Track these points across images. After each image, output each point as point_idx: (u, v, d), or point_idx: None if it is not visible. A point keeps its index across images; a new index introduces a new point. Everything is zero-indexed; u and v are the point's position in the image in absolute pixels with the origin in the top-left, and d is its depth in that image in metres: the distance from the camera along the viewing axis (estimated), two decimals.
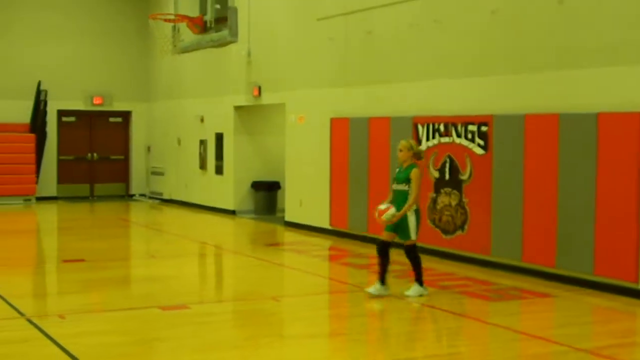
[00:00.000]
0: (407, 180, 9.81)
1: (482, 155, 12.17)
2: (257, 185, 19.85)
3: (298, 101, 17.18)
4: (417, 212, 9.91)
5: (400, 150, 10.03)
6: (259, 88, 18.72)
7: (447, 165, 12.84)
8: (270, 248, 15.42)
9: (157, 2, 23.61)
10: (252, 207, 19.91)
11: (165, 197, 23.95)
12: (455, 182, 12.71)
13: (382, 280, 9.96)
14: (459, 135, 12.63)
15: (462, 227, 12.57)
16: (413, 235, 9.86)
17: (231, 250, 15.68)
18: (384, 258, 10.03)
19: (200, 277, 13.46)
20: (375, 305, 10.32)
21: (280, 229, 17.56)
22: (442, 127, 12.98)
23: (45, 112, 23.52)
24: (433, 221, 13.12)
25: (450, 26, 12.96)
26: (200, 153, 21.85)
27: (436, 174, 13.07)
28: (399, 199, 9.88)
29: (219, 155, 20.88)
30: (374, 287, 9.95)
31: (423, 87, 13.60)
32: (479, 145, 12.23)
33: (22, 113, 23.29)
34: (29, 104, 23.32)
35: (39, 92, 23.27)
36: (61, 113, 24.39)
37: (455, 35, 12.90)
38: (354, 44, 15.29)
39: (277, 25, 17.96)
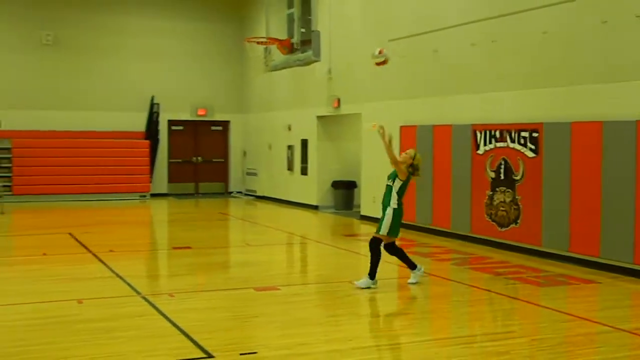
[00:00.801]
0: (395, 177, 9.59)
1: (533, 158, 12.05)
2: (336, 184, 19.91)
3: (372, 111, 17.15)
4: (397, 212, 9.57)
5: (406, 154, 9.80)
6: (339, 100, 18.80)
7: (502, 167, 12.73)
8: (347, 238, 15.44)
9: (251, 27, 23.81)
10: (332, 203, 19.98)
11: (258, 194, 24.17)
12: (509, 182, 12.59)
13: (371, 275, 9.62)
14: (512, 141, 12.50)
15: (515, 221, 12.45)
16: (384, 230, 9.53)
17: (314, 240, 15.75)
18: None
19: (288, 262, 13.60)
20: (439, 289, 10.30)
21: (356, 222, 17.58)
22: (497, 134, 12.88)
23: (157, 122, 23.95)
24: (490, 216, 13.04)
25: (506, 45, 12.83)
26: (288, 156, 22.00)
27: (492, 175, 12.98)
28: (386, 193, 9.66)
29: (304, 159, 21.01)
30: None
31: (481, 98, 13.49)
32: (530, 149, 12.11)
33: (139, 123, 23.80)
34: (144, 115, 23.82)
35: (152, 105, 23.73)
36: (171, 123, 24.80)
37: (510, 53, 12.77)
38: (421, 61, 15.24)
39: (354, 46, 17.96)
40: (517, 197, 12.41)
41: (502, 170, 12.77)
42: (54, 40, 22.98)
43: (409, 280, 9.81)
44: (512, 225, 12.55)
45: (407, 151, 9.89)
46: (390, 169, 9.70)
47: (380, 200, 9.79)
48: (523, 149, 12.28)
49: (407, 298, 9.86)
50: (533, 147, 12.06)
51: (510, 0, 12.85)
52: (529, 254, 12.11)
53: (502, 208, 12.76)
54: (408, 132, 15.48)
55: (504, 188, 12.71)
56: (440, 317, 8.76)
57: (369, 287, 9.49)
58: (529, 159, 12.16)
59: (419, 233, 14.82)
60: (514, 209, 12.47)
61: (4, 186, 21.09)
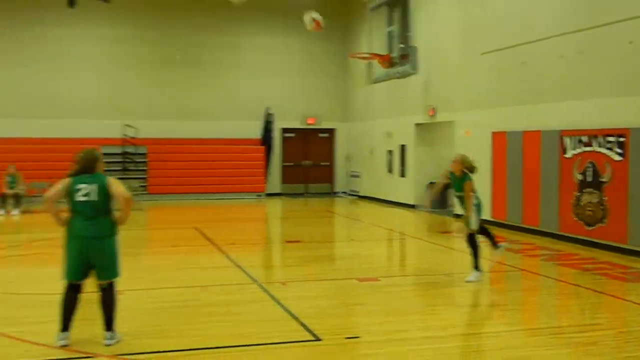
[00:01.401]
0: (462, 189, 9.38)
1: (619, 161, 11.54)
2: (432, 185, 19.66)
3: (465, 119, 16.93)
4: (478, 206, 9.42)
5: (454, 161, 9.57)
6: (434, 109, 18.60)
7: (590, 169, 12.26)
8: (442, 235, 15.23)
9: (354, 43, 23.85)
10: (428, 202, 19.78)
11: (361, 194, 24.16)
12: (596, 183, 12.11)
13: (476, 267, 9.42)
14: (599, 145, 12.03)
15: (602, 220, 11.96)
16: (475, 225, 9.35)
17: (412, 235, 15.59)
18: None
19: (388, 256, 13.51)
20: (529, 283, 10.01)
21: (450, 220, 17.31)
22: (585, 139, 12.41)
23: (272, 130, 24.32)
24: (577, 215, 12.59)
25: (593, 55, 12.36)
26: (388, 160, 21.92)
27: (579, 177, 12.52)
28: (463, 202, 9.49)
29: (403, 162, 20.88)
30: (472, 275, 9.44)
31: (569, 106, 13.04)
32: (617, 153, 11.61)
33: (255, 130, 24.24)
34: (260, 124, 24.23)
35: (267, 114, 24.11)
36: (284, 130, 25.13)
37: (596, 63, 12.30)
38: (511, 72, 14.92)
39: (448, 59, 17.78)
40: (603, 198, 11.93)
41: (589, 173, 12.31)
42: (183, 59, 23.67)
43: (468, 278, 9.41)
44: (598, 224, 12.07)
45: (456, 160, 9.59)
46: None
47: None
48: (610, 153, 11.80)
49: (500, 291, 9.61)
50: (619, 151, 11.57)
51: (596, 13, 12.39)
52: (616, 251, 11.60)
53: (589, 208, 12.28)
54: (499, 138, 15.18)
55: (591, 189, 12.24)
56: (530, 309, 8.52)
57: (478, 280, 9.30)
58: (615, 162, 11.67)
59: (510, 230, 14.44)
60: (601, 209, 11.98)
61: (141, 186, 21.96)
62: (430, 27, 18.86)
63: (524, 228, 14.30)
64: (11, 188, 19.13)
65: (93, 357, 6.10)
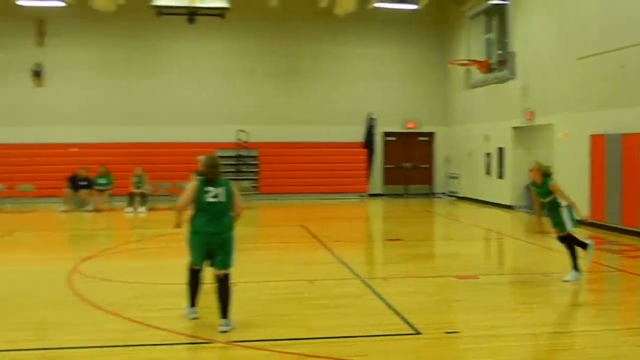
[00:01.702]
0: (549, 193, 9.02)
1: None
2: (529, 186, 19.12)
3: (563, 122, 16.41)
4: (568, 208, 9.00)
5: (531, 170, 9.29)
6: (532, 112, 18.11)
7: None
8: (539, 235, 14.73)
9: (453, 51, 23.50)
10: (525, 203, 19.19)
11: (460, 195, 23.80)
12: None
13: (575, 267, 9.05)
14: None
15: None
16: (570, 227, 8.98)
17: (509, 235, 15.19)
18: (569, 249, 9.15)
19: (485, 255, 13.23)
20: (628, 283, 9.57)
21: (547, 220, 16.75)
22: None
23: (373, 134, 24.33)
24: None
25: None
26: (486, 162, 21.51)
27: None
28: (552, 208, 9.13)
29: (500, 164, 20.44)
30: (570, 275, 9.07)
31: None
32: None
33: (357, 135, 24.32)
34: (362, 128, 24.29)
35: (369, 119, 24.14)
36: (385, 134, 25.10)
37: None
38: (608, 76, 14.33)
39: (546, 65, 17.28)
40: None
41: None
42: (292, 69, 24.13)
43: (565, 278, 9.07)
44: None
45: (533, 169, 9.30)
46: None
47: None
48: None
49: (597, 291, 9.24)
50: None
51: None
52: None
53: None
54: (597, 141, 14.61)
55: None
56: (628, 308, 8.13)
57: (577, 280, 8.99)
58: None
59: (609, 232, 13.85)
60: None
61: (253, 186, 22.52)
62: (528, 33, 18.39)
63: (624, 229, 13.68)
64: (138, 188, 20.03)
65: (210, 343, 6.31)
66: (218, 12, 17.15)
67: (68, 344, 6.28)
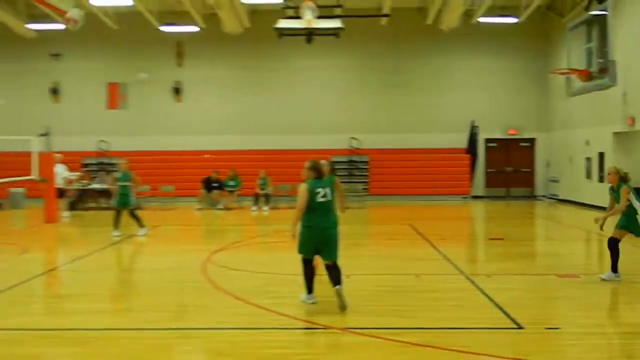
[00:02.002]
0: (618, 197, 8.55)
1: None
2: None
3: None
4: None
5: (609, 174, 8.73)
6: (633, 118, 17.03)
7: None
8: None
9: (553, 61, 22.47)
10: None
11: (560, 197, 22.76)
12: None
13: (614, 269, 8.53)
14: None
15: None
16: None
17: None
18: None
19: (586, 254, 12.54)
20: None
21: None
22: None
23: (476, 140, 23.72)
24: None
25: None
26: (586, 167, 20.46)
27: None
28: (628, 212, 8.58)
29: (601, 168, 19.34)
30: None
31: None
32: None
33: (461, 141, 23.78)
34: (465, 135, 23.73)
35: (472, 126, 23.57)
36: (487, 140, 24.40)
37: None
38: None
39: None
40: None
41: None
42: (400, 81, 24.01)
43: (602, 276, 8.64)
44: None
45: (611, 172, 8.82)
46: None
47: None
48: None
49: None
50: None
51: None
52: None
53: None
54: None
55: None
56: None
57: (612, 280, 8.49)
58: None
59: None
60: None
61: (364, 188, 22.59)
62: (628, 41, 17.29)
63: None
64: (262, 189, 20.55)
65: (326, 328, 6.36)
66: (333, 32, 17.26)
67: (201, 325, 6.52)
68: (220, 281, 8.62)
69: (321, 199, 7.09)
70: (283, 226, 15.78)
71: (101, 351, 5.71)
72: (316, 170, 7.27)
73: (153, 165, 22.86)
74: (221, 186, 20.95)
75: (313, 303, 7.18)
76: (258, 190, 20.55)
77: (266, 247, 12.69)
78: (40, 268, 10.40)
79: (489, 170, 24.56)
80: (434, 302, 7.49)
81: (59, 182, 17.70)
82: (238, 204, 20.85)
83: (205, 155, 23.67)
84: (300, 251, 7.21)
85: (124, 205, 13.64)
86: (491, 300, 7.44)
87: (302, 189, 7.11)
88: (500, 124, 24.11)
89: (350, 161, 23.36)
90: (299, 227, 7.15)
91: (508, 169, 24.63)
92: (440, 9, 21.89)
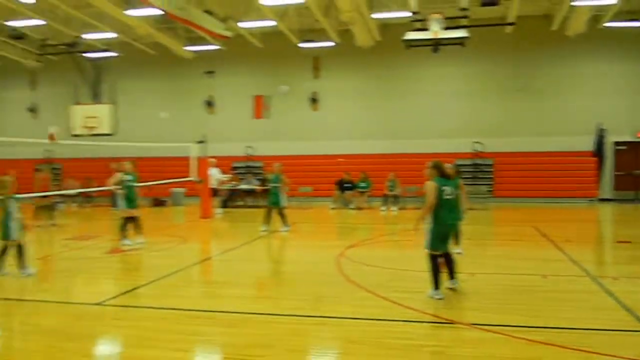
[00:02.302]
0: None
1: None
2: None
3: None
4: None
5: None
6: None
7: None
8: None
9: None
10: None
11: None
12: None
13: None
14: None
15: None
16: None
17: None
18: None
19: None
20: None
21: None
22: None
23: (603, 143, 22.06)
24: None
25: None
26: None
27: None
28: None
29: None
30: None
31: None
32: None
33: (587, 144, 22.19)
34: (591, 138, 22.12)
35: (599, 129, 21.92)
36: (616, 143, 22.60)
37: None
38: None
39: None
40: None
41: None
42: (524, 86, 22.92)
43: None
44: None
45: None
46: None
47: None
48: None
49: None
50: None
51: None
52: None
53: None
54: None
55: None
56: None
57: None
58: None
59: None
60: None
61: (488, 191, 21.78)
62: None
63: None
64: (391, 190, 20.47)
65: (451, 323, 6.20)
66: (459, 42, 16.85)
67: (336, 315, 6.59)
68: (352, 275, 8.68)
69: (447, 196, 7.10)
70: (410, 226, 15.61)
71: (247, 332, 5.95)
72: (438, 168, 7.20)
73: (292, 168, 23.43)
74: (353, 187, 21.15)
75: (440, 299, 7.04)
76: (387, 192, 20.51)
77: (394, 245, 12.61)
78: (197, 257, 11.06)
79: (617, 173, 22.71)
80: (559, 302, 7.05)
81: (212, 183, 18.77)
82: (368, 204, 20.92)
83: (339, 159, 23.98)
84: (431, 247, 7.16)
85: (274, 205, 14.11)
86: (619, 302, 6.87)
87: (431, 186, 7.06)
88: (630, 127, 22.25)
89: (475, 164, 22.63)
90: (428, 224, 7.14)
91: (637, 172, 22.65)
92: (567, 15, 20.64)
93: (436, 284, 7.13)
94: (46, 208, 16.01)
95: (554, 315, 6.45)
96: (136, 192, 12.03)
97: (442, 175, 7.20)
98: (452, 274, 7.36)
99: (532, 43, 22.67)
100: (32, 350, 5.44)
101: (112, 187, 12.24)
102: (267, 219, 14.05)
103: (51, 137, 9.12)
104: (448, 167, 7.67)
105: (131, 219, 11.87)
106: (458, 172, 8.98)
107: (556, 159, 22.29)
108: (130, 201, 11.81)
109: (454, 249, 9.13)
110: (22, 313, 6.87)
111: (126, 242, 11.76)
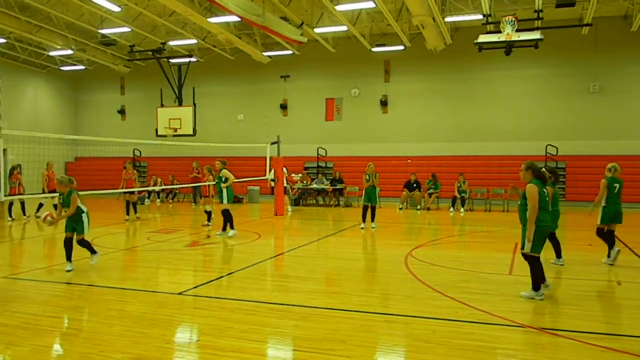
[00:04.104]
0: None
1: None
2: None
3: None
4: None
5: None
6: None
7: None
8: None
9: None
10: None
11: None
12: None
13: None
14: None
15: None
16: None
17: None
18: None
19: None
20: None
21: None
22: None
23: None
24: None
25: None
26: None
27: None
28: None
29: None
30: None
31: None
32: None
33: None
34: None
35: None
36: None
37: None
38: None
39: None
40: None
41: None
42: (599, 88, 21.86)
43: None
44: None
45: None
46: None
47: None
48: None
49: None
50: None
51: None
52: None
53: None
54: None
55: None
56: None
57: None
58: None
59: None
60: None
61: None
62: None
63: None
64: (460, 192, 20.05)
65: (522, 327, 5.99)
66: (532, 43, 16.28)
67: (404, 312, 6.51)
68: (420, 274, 8.55)
69: (547, 198, 7.00)
70: (478, 227, 15.23)
71: (318, 326, 5.97)
72: (533, 169, 7.03)
73: (362, 169, 23.43)
74: (421, 188, 20.85)
75: (541, 299, 6.89)
76: (456, 193, 20.11)
77: (462, 246, 12.33)
78: (271, 252, 11.23)
79: None
80: (634, 310, 6.65)
81: (286, 182, 19.07)
82: (436, 205, 20.57)
83: (408, 160, 23.73)
84: (535, 250, 6.91)
85: (370, 202, 14.49)
86: None
87: (533, 189, 6.86)
88: None
89: (546, 167, 21.80)
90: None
91: None
92: None
93: (537, 286, 6.96)
94: (132, 203, 16.72)
95: (628, 323, 6.10)
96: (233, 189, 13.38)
97: (538, 177, 7.00)
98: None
99: (609, 44, 21.62)
100: (117, 335, 5.68)
101: (224, 184, 13.06)
102: (365, 217, 14.53)
103: (45, 219, 9.44)
104: (544, 171, 7.49)
105: (228, 212, 13.00)
106: (553, 178, 8.88)
107: (632, 162, 21.12)
108: (230, 197, 13.11)
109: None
110: (108, 300, 7.18)
111: (232, 231, 12.95)
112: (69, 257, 8.94)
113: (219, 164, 13.13)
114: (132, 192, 16.30)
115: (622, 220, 9.49)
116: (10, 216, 16.91)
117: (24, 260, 10.63)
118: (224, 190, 12.94)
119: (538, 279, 6.95)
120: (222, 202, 13.03)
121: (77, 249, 9.03)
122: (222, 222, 13.36)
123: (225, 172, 12.97)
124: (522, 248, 7.01)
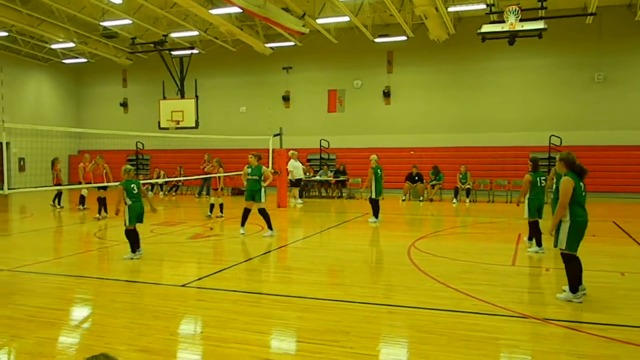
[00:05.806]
0: None
1: None
2: None
3: None
4: None
5: None
6: None
7: None
8: None
9: None
10: None
11: None
12: None
13: None
14: None
15: None
16: None
17: None
18: None
19: None
20: None
21: None
22: None
23: None
24: None
25: None
26: None
27: None
28: None
29: None
30: None
31: None
32: None
33: None
34: None
35: None
36: None
37: None
38: None
39: None
40: None
41: None
42: (604, 78, 21.75)
43: None
44: None
45: None
46: None
47: None
48: None
49: None
50: None
51: None
52: None
53: None
54: None
55: None
56: None
57: None
58: None
59: None
60: None
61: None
62: None
63: None
64: (462, 183, 20.03)
65: (524, 317, 5.99)
66: (536, 33, 16.18)
67: (407, 303, 6.53)
68: (423, 265, 8.57)
69: (584, 192, 6.44)
70: (481, 218, 15.21)
71: (321, 317, 5.99)
72: (566, 162, 6.46)
73: (365, 161, 23.40)
74: (423, 180, 20.83)
75: (580, 302, 6.42)
76: (458, 184, 20.09)
77: (465, 237, 12.33)
78: (274, 244, 11.25)
79: None
80: (639, 301, 6.65)
81: (299, 174, 19.19)
82: (439, 197, 20.57)
83: (411, 152, 23.69)
84: (568, 246, 6.40)
85: (379, 195, 14.29)
86: None
87: (568, 183, 6.30)
88: None
89: (551, 158, 21.67)
90: (565, 222, 6.41)
91: None
92: None
93: (574, 288, 6.47)
94: (102, 199, 16.51)
95: (631, 313, 6.11)
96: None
97: (573, 169, 6.43)
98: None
99: (614, 34, 21.48)
100: (121, 327, 5.71)
101: (265, 184, 11.95)
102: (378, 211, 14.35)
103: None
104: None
105: (265, 211, 11.88)
106: (536, 165, 8.67)
107: (637, 152, 21.07)
108: (265, 195, 12.04)
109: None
110: (112, 292, 7.22)
111: (270, 232, 11.82)
112: (133, 248, 9.35)
113: (252, 159, 11.94)
114: (105, 188, 15.71)
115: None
116: (60, 204, 18.07)
117: (27, 253, 10.69)
118: (263, 189, 11.84)
119: (575, 279, 6.46)
120: (261, 201, 11.77)
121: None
122: (241, 217, 12.10)
123: (265, 171, 11.92)
124: (555, 245, 6.56)
